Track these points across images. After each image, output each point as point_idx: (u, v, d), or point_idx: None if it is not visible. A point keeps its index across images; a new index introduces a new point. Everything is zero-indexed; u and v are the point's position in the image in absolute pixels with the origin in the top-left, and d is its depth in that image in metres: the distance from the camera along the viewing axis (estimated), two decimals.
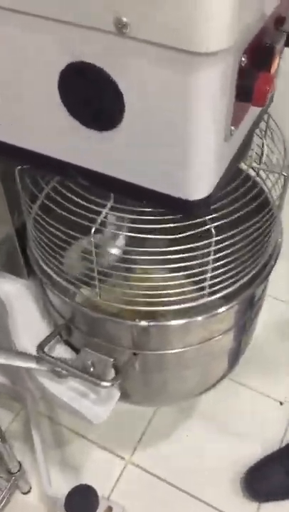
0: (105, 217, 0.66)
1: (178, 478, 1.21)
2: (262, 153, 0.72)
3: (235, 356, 0.90)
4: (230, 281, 0.71)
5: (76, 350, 0.84)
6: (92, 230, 0.64)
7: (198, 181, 0.58)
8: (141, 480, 1.22)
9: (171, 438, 1.27)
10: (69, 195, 0.67)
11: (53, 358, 0.75)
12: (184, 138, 0.53)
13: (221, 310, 0.73)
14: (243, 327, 0.83)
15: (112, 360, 0.79)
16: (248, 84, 0.51)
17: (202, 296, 0.71)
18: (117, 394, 0.80)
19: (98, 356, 0.79)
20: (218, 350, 0.82)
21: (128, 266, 0.67)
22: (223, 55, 0.45)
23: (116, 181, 0.62)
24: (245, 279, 0.73)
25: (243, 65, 0.50)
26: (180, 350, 0.77)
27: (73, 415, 0.80)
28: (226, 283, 0.71)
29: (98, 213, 0.65)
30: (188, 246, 0.63)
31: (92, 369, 0.79)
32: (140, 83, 0.50)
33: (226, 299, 0.74)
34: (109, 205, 0.66)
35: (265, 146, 0.72)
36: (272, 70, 0.52)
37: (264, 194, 0.77)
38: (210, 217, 0.64)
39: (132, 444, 1.27)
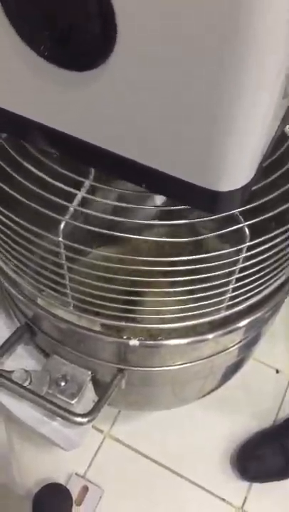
0: (81, 203, 0.43)
1: (161, 454, 1.09)
2: None
3: (242, 360, 0.72)
4: (255, 291, 0.51)
5: (45, 353, 0.64)
6: (61, 226, 0.42)
7: (238, 165, 0.35)
8: (120, 455, 1.09)
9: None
10: (29, 167, 0.43)
11: (6, 377, 0.55)
12: (220, 84, 0.29)
13: (241, 324, 0.53)
14: (260, 333, 0.64)
15: (90, 373, 0.60)
16: None
17: (218, 310, 0.51)
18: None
19: (72, 367, 0.61)
20: (230, 358, 0.63)
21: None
22: None
23: (98, 152, 0.38)
24: (274, 286, 0.53)
25: None
26: (181, 366, 0.58)
27: (43, 439, 0.63)
28: (248, 295, 0.50)
29: (70, 197, 0.42)
30: (215, 254, 0.41)
31: (63, 383, 0.60)
32: None
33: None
34: (87, 184, 0.43)
35: None
36: None
37: None
38: (238, 210, 0.42)
39: (112, 415, 1.13)
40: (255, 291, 0.50)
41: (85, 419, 0.53)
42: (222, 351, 0.60)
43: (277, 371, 1.19)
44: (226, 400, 1.13)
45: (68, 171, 0.44)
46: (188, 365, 0.58)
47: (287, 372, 1.19)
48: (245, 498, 1.05)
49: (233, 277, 0.46)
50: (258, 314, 0.55)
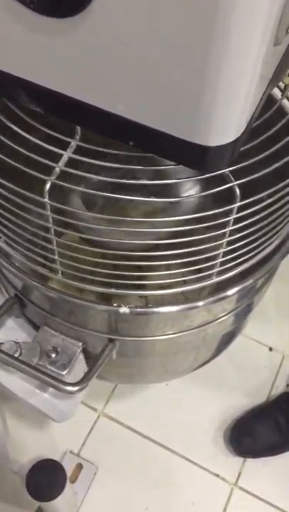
0: (68, 163, 0.42)
1: (155, 432, 1.09)
2: None
3: (238, 329, 0.72)
4: (247, 256, 0.50)
5: (36, 325, 0.64)
6: (47, 186, 0.41)
7: (228, 116, 0.34)
8: (114, 433, 1.10)
9: (148, 387, 1.13)
10: (13, 127, 0.42)
11: None
12: (209, 31, 0.29)
13: (230, 292, 0.53)
14: (252, 303, 0.64)
15: (81, 344, 0.60)
16: None
17: (209, 276, 0.50)
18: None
19: (62, 339, 0.60)
20: (222, 329, 0.63)
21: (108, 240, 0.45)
22: None
23: (83, 108, 0.37)
24: (266, 252, 0.52)
25: None
26: (172, 336, 0.58)
27: (33, 411, 0.63)
28: (242, 259, 0.50)
29: (55, 158, 0.41)
30: (203, 214, 0.40)
31: (53, 355, 0.59)
32: None
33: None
34: (73, 144, 0.42)
35: None
36: None
37: None
38: (229, 170, 0.41)
39: (106, 393, 1.13)
40: (247, 256, 0.49)
41: (75, 388, 0.52)
42: (214, 320, 0.60)
43: (270, 349, 1.19)
44: (219, 377, 1.13)
45: (53, 130, 0.43)
46: (179, 334, 0.57)
47: (280, 349, 1.19)
48: (239, 473, 1.05)
49: (224, 240, 0.45)
50: (250, 281, 0.54)
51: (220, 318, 0.59)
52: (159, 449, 1.08)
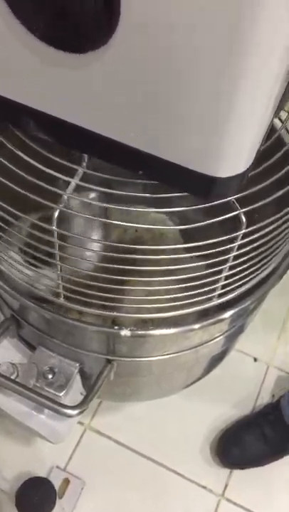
0: (76, 190, 0.42)
1: (141, 444, 1.09)
2: None
3: (226, 351, 0.72)
4: (246, 279, 0.51)
5: (31, 346, 0.63)
6: (55, 214, 0.41)
7: (240, 151, 0.35)
8: (101, 447, 1.09)
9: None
10: (20, 154, 0.42)
11: None
12: (224, 67, 0.29)
13: (227, 315, 0.53)
14: (245, 324, 0.64)
15: (78, 365, 0.59)
16: None
17: (210, 299, 0.50)
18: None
19: (59, 359, 0.60)
20: (217, 348, 0.64)
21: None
22: None
23: (94, 138, 0.38)
24: (263, 274, 0.53)
25: None
26: (170, 356, 0.58)
27: (29, 432, 0.62)
28: (240, 283, 0.50)
29: (58, 185, 0.41)
30: (208, 242, 0.41)
31: (50, 376, 0.59)
32: None
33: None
34: (80, 171, 0.42)
35: None
36: None
37: None
38: (234, 197, 0.42)
39: (92, 407, 1.12)
40: (247, 279, 0.50)
41: (75, 411, 0.52)
42: (209, 341, 0.60)
43: (255, 359, 1.21)
44: (205, 388, 1.13)
45: (58, 157, 0.43)
46: (177, 354, 0.58)
47: (264, 360, 1.20)
48: (226, 485, 1.06)
49: (227, 265, 0.46)
50: (246, 304, 0.55)
51: (215, 338, 0.60)
52: (147, 462, 1.08)
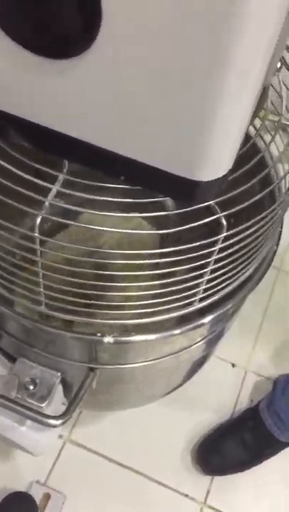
0: (57, 196, 0.42)
1: (122, 455, 1.08)
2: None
3: (207, 356, 0.73)
4: (226, 283, 0.51)
5: (11, 357, 0.62)
6: (37, 221, 0.40)
7: (222, 155, 0.36)
8: (81, 459, 1.08)
9: (113, 411, 1.12)
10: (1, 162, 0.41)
11: None
12: (206, 70, 0.30)
13: (207, 320, 0.54)
14: (224, 329, 0.65)
15: (59, 374, 0.59)
16: None
17: (191, 303, 0.51)
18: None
19: (41, 370, 0.59)
20: (197, 353, 0.64)
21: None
22: None
23: (75, 144, 0.38)
24: (242, 278, 0.54)
25: None
26: (152, 362, 0.58)
27: (8, 445, 0.61)
28: (221, 286, 0.51)
29: (42, 191, 0.41)
30: (190, 245, 0.41)
31: (31, 387, 0.58)
32: None
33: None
34: (61, 177, 0.42)
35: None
36: None
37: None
38: (214, 201, 0.43)
39: (71, 419, 1.11)
40: (227, 282, 0.51)
41: (58, 421, 0.52)
42: (190, 346, 0.61)
43: (233, 365, 1.21)
44: (184, 395, 1.13)
45: (37, 163, 0.42)
46: (159, 360, 0.58)
47: (242, 365, 1.21)
48: (208, 492, 1.06)
49: (208, 269, 0.46)
50: (226, 308, 0.56)
51: (197, 343, 0.61)
52: (128, 472, 1.07)
